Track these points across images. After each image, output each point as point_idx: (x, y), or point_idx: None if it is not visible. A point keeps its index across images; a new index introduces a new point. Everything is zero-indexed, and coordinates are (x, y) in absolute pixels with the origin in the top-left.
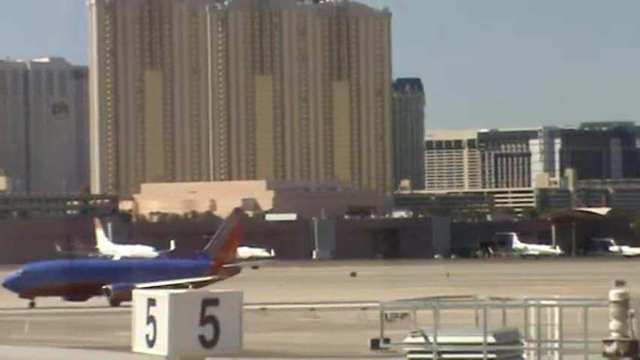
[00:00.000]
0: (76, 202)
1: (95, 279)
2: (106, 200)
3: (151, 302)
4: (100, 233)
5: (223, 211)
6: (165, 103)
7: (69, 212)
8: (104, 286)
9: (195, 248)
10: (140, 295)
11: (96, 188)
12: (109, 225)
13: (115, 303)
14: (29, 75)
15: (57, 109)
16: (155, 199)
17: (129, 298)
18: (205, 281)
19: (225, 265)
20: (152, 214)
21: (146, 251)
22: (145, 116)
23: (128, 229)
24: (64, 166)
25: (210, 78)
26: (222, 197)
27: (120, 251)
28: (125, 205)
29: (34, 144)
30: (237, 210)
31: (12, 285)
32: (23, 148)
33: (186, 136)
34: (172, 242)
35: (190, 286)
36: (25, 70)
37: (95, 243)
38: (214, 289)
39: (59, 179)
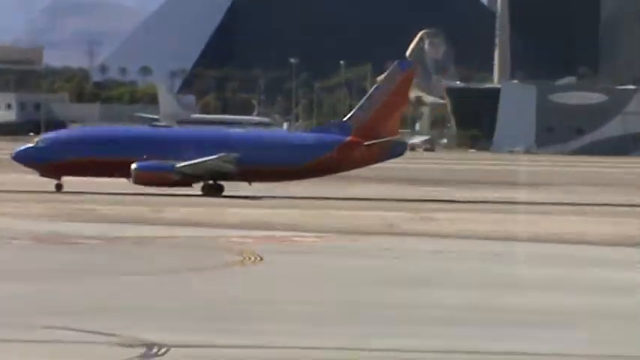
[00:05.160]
0: None
1: (135, 153)
2: None
3: None
4: None
5: None
6: None
7: None
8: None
9: None
10: None
11: None
12: None
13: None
14: None
15: None
16: None
17: (155, 182)
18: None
19: (368, 142)
20: None
21: None
22: None
23: None
24: None
25: None
26: None
27: None
28: None
29: None
30: (401, 63)
31: (24, 157)
32: None
33: None
34: None
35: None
36: None
37: None
38: None
39: None
